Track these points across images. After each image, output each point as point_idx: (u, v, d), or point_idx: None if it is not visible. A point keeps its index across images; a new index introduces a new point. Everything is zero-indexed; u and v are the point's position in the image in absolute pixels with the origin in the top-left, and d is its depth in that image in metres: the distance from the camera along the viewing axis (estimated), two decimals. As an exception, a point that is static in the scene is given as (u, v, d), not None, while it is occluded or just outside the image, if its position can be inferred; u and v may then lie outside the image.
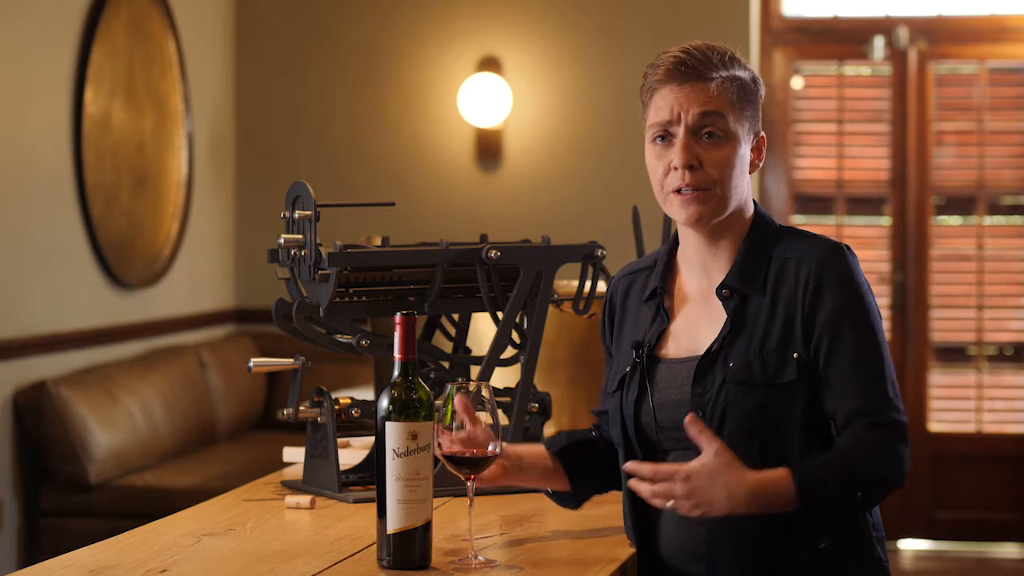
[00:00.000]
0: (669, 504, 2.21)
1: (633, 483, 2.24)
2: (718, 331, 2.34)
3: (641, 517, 2.38)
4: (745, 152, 2.35)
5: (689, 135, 2.32)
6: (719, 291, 2.35)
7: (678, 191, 2.33)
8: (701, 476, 2.21)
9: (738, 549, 2.28)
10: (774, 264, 2.34)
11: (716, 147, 2.32)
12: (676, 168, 2.32)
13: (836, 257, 2.32)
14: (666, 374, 2.37)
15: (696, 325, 2.38)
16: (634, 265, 2.52)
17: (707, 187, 2.32)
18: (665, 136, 2.34)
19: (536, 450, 2.49)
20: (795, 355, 2.29)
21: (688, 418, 2.24)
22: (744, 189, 2.37)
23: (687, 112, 2.31)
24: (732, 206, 2.35)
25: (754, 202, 2.41)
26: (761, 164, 2.40)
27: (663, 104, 2.34)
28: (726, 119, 2.32)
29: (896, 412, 2.27)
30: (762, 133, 2.39)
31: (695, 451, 2.31)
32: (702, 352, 2.34)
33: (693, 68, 2.32)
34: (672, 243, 2.46)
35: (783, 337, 2.30)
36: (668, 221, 3.07)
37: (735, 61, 2.36)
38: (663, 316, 2.41)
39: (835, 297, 2.29)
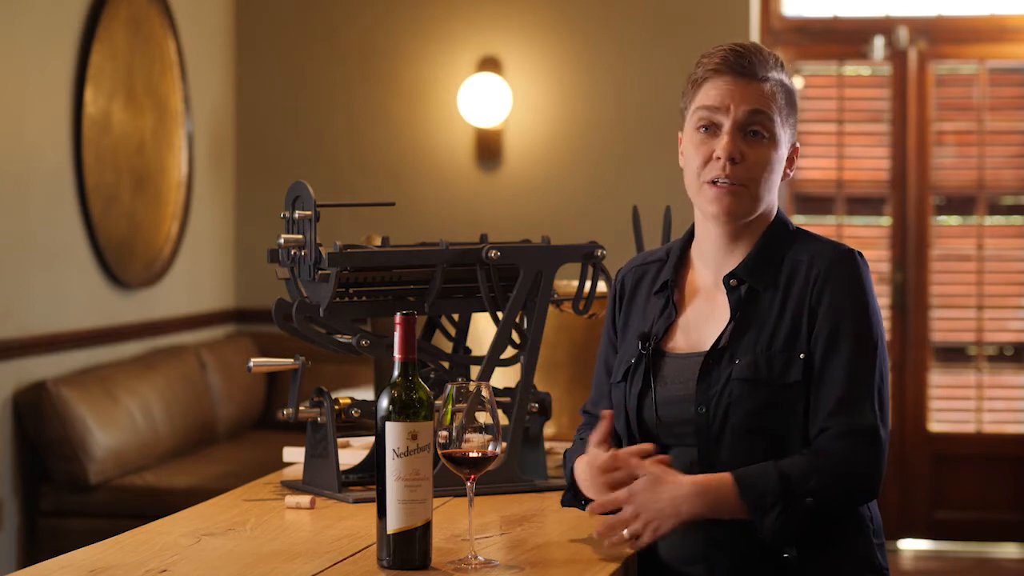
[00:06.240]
0: (627, 534, 2.23)
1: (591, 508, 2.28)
2: (724, 326, 2.34)
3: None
4: (783, 156, 2.37)
5: (736, 129, 2.33)
6: (727, 280, 2.35)
7: (714, 182, 2.33)
8: (642, 489, 2.23)
9: (736, 552, 2.28)
10: (787, 264, 2.35)
11: (759, 146, 2.33)
12: (718, 158, 2.32)
13: (847, 262, 2.32)
14: (671, 369, 2.37)
15: (705, 320, 2.38)
16: (646, 256, 2.52)
17: (743, 183, 2.33)
18: (709, 126, 2.34)
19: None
20: (801, 355, 2.29)
21: (613, 452, 2.28)
22: (775, 193, 2.38)
23: (738, 106, 2.33)
24: (761, 208, 2.36)
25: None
26: (792, 174, 2.40)
27: (714, 92, 2.34)
28: (773, 121, 2.33)
29: (872, 421, 2.26)
30: (797, 144, 2.41)
31: (695, 447, 2.31)
32: (708, 347, 2.34)
33: (750, 64, 2.33)
34: (687, 237, 2.46)
35: (790, 336, 2.30)
36: (668, 221, 3.07)
37: (783, 67, 2.39)
38: (672, 309, 2.41)
39: (838, 301, 2.30)
